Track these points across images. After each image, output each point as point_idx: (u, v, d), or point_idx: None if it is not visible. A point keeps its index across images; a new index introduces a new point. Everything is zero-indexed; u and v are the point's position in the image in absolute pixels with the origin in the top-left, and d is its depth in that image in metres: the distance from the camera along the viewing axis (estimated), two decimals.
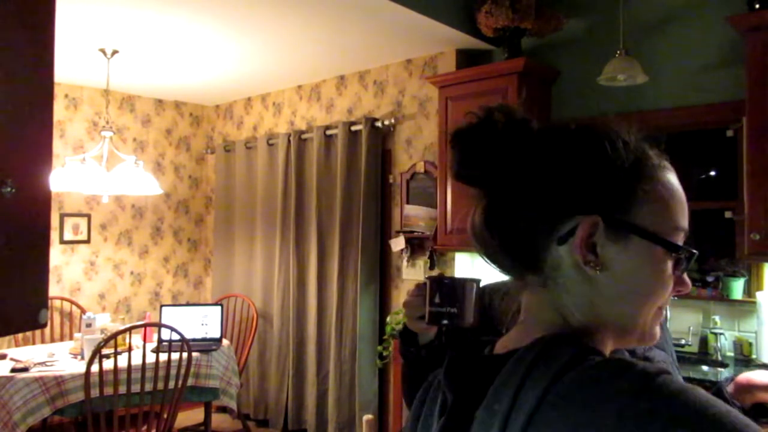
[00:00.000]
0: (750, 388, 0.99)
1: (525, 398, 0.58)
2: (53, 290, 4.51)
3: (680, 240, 0.68)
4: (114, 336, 3.09)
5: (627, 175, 0.66)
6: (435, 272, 3.85)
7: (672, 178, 0.70)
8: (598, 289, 0.66)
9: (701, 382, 2.50)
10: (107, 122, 3.92)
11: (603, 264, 0.65)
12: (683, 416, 0.51)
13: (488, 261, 0.72)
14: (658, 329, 0.70)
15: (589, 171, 0.66)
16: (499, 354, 0.67)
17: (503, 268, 0.71)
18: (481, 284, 1.16)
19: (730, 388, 1.02)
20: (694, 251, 0.67)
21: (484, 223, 0.70)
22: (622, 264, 0.65)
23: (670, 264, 0.66)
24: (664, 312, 0.71)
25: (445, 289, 1.11)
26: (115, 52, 3.82)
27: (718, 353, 2.86)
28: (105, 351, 3.05)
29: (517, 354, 0.63)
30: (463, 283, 1.11)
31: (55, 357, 3.40)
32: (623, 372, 0.56)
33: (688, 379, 2.49)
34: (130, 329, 3.23)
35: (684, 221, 0.69)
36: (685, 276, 0.69)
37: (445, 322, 1.11)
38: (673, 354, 1.20)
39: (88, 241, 4.79)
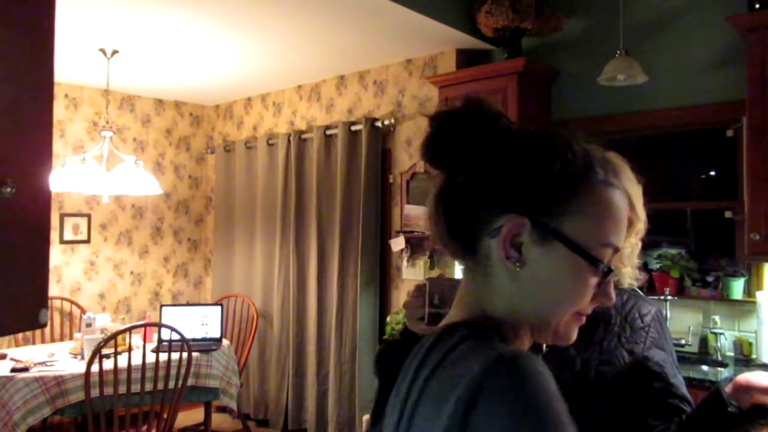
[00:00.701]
0: (748, 389, 1.00)
1: (420, 378, 0.66)
2: (53, 290, 4.51)
3: (606, 256, 0.71)
4: (114, 336, 3.09)
5: (564, 185, 0.69)
6: (435, 273, 3.85)
7: (615, 196, 0.72)
8: (518, 285, 0.70)
9: (701, 382, 2.50)
10: (107, 122, 3.92)
11: (525, 262, 0.69)
12: (517, 397, 0.57)
13: (438, 241, 0.76)
14: (574, 332, 0.73)
15: (527, 174, 0.70)
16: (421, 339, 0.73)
17: (448, 249, 0.76)
18: None
19: (728, 389, 1.02)
20: (611, 269, 0.71)
21: (435, 203, 0.75)
22: (544, 266, 0.69)
23: (593, 276, 0.70)
24: (584, 318, 0.73)
25: (445, 290, 1.12)
26: (115, 52, 3.82)
27: (718, 353, 2.86)
28: (105, 351, 3.05)
29: (422, 340, 0.71)
30: None
31: (55, 357, 3.40)
32: (483, 352, 0.62)
33: (688, 379, 2.49)
34: (130, 329, 3.23)
35: (615, 239, 0.71)
36: (610, 289, 0.73)
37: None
38: (673, 354, 1.19)
39: (88, 241, 4.79)
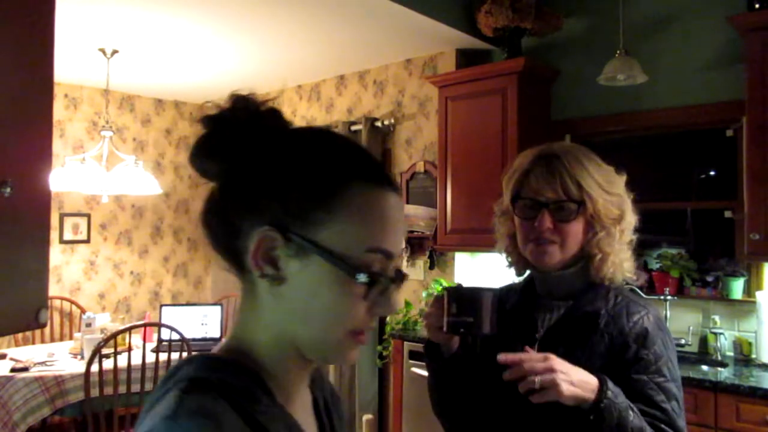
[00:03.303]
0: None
1: (142, 422, 0.60)
2: (53, 290, 4.50)
3: (375, 263, 0.64)
4: (114, 336, 3.09)
5: (317, 190, 0.63)
6: (435, 273, 3.85)
7: (385, 200, 0.66)
8: (281, 304, 0.65)
9: (701, 382, 2.50)
10: (107, 122, 3.92)
11: (285, 279, 0.63)
12: None
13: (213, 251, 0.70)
14: (352, 354, 0.67)
15: (278, 181, 0.64)
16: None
17: (224, 266, 0.69)
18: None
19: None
20: (382, 276, 0.64)
21: (202, 215, 0.68)
22: (304, 281, 0.63)
23: (356, 286, 0.63)
24: (364, 338, 0.66)
25: (462, 299, 1.12)
26: (114, 51, 3.82)
27: (718, 353, 2.86)
28: (105, 351, 3.05)
29: (169, 369, 0.66)
30: (480, 292, 1.11)
31: (54, 357, 3.40)
32: (165, 406, 0.58)
33: (688, 379, 2.49)
34: (130, 329, 3.23)
35: (387, 244, 0.65)
36: (389, 297, 0.66)
37: (462, 330, 1.12)
38: (669, 356, 1.18)
39: (87, 241, 4.79)
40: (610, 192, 1.20)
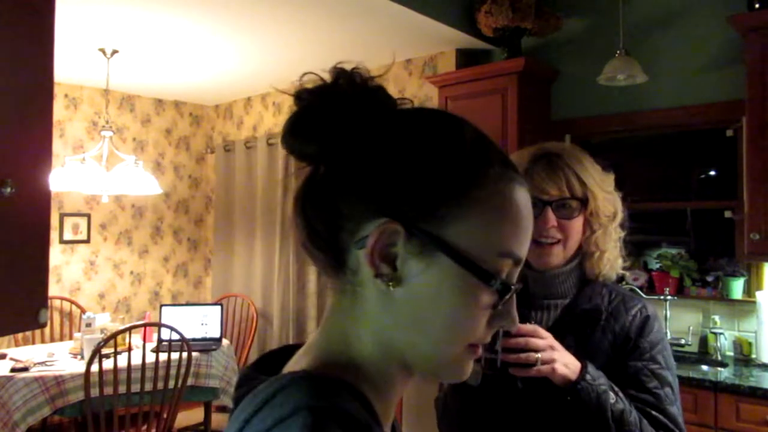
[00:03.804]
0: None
1: (237, 421, 0.51)
2: (53, 290, 4.50)
3: (505, 269, 0.56)
4: (114, 336, 3.09)
5: (450, 180, 0.55)
6: None
7: (518, 195, 0.57)
8: (393, 311, 0.55)
9: (701, 382, 2.50)
10: (107, 122, 3.92)
11: (401, 280, 0.54)
12: None
13: (303, 249, 0.61)
14: (468, 368, 0.59)
15: (401, 166, 0.55)
16: (269, 378, 0.56)
17: (314, 262, 0.61)
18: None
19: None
20: (513, 286, 0.56)
21: (296, 201, 0.60)
22: (424, 285, 0.54)
23: (486, 294, 0.55)
24: (479, 350, 0.59)
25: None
26: (114, 51, 3.82)
27: (718, 353, 2.86)
28: (105, 351, 3.05)
29: (256, 389, 0.54)
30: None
31: (54, 357, 3.39)
32: (287, 401, 0.49)
33: (688, 379, 2.49)
34: (129, 329, 3.23)
35: (517, 248, 0.57)
36: (512, 308, 0.58)
37: (499, 366, 1.11)
38: (665, 345, 1.20)
39: (87, 241, 4.79)
40: (606, 190, 1.22)
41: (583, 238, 1.22)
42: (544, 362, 1.06)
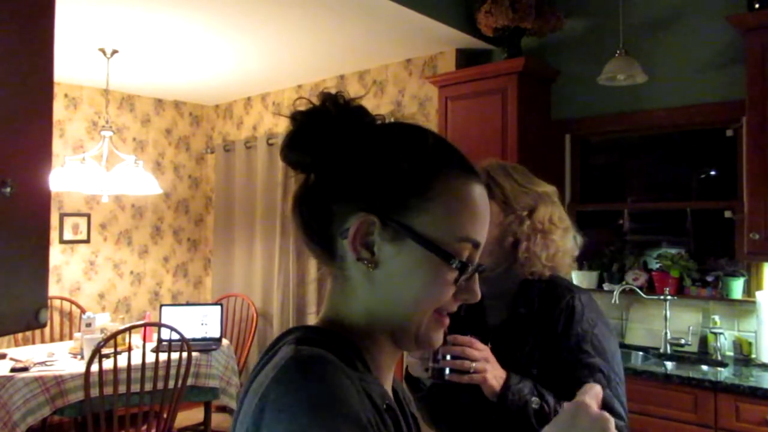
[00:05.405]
0: None
1: (255, 384, 0.65)
2: (53, 290, 4.50)
3: (465, 251, 0.68)
4: (114, 336, 3.09)
5: (414, 179, 0.67)
6: None
7: (474, 189, 0.70)
8: (374, 287, 0.69)
9: (701, 382, 2.50)
10: (107, 122, 3.92)
11: (379, 263, 0.67)
12: (296, 405, 0.57)
13: (302, 244, 0.75)
14: (437, 336, 0.72)
15: (374, 169, 0.68)
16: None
17: (313, 254, 0.74)
18: None
19: None
20: (466, 264, 0.68)
21: (294, 204, 0.73)
22: (397, 265, 0.67)
23: (449, 272, 0.67)
24: (446, 321, 0.71)
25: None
26: (114, 51, 3.82)
27: (718, 353, 2.86)
28: (105, 351, 3.05)
29: (270, 343, 0.72)
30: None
31: (54, 357, 3.40)
32: (283, 355, 0.64)
33: (688, 379, 2.49)
34: (129, 329, 3.23)
35: (475, 234, 0.69)
36: (474, 285, 0.71)
37: (446, 376, 1.22)
38: (595, 333, 1.27)
39: (87, 241, 4.79)
40: (522, 184, 1.33)
41: (504, 224, 1.30)
42: (477, 371, 1.17)
